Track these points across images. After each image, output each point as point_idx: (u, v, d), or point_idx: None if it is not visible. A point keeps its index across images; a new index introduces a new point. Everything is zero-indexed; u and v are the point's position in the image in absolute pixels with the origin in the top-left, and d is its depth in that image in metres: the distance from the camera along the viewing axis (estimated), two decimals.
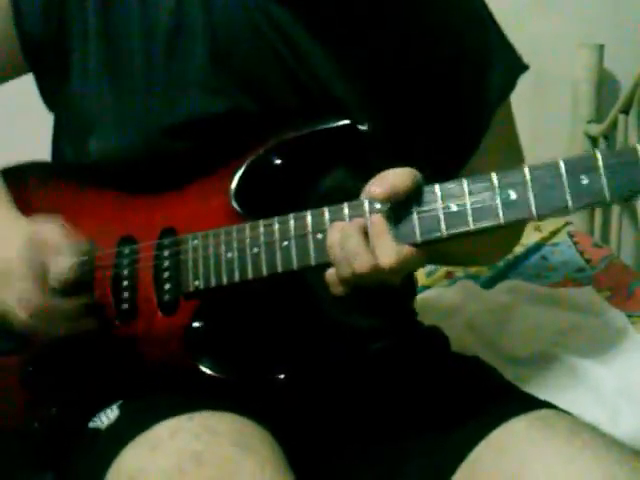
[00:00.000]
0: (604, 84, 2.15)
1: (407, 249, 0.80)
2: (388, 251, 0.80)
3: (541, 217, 0.79)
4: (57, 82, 0.99)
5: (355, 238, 0.81)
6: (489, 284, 1.75)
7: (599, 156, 0.77)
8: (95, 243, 0.94)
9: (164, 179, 0.95)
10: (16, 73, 1.04)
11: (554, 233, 1.96)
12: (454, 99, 1.00)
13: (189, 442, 0.82)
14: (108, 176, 0.98)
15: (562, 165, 0.78)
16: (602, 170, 0.76)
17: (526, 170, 0.79)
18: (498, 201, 0.79)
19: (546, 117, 2.13)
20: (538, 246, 1.92)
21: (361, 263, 0.80)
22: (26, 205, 0.99)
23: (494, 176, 0.80)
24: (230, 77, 0.95)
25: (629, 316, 1.56)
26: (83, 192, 1.00)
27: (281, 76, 0.95)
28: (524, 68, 1.05)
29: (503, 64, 1.04)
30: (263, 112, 0.94)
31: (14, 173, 1.03)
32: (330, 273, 0.83)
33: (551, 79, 2.14)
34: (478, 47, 1.02)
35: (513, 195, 0.79)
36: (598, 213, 2.16)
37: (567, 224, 2.01)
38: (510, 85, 1.05)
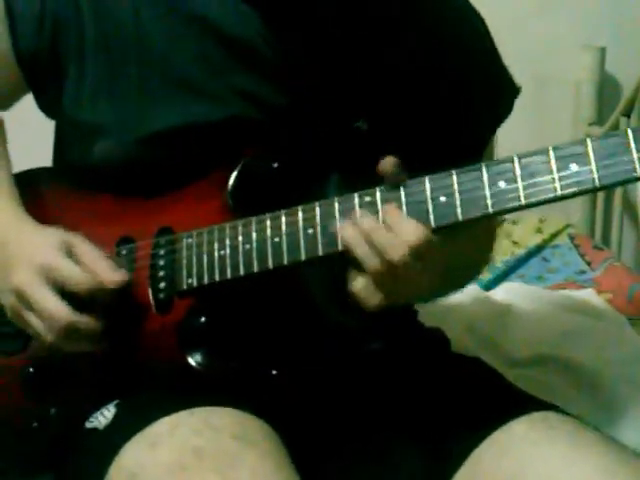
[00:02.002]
0: (606, 87, 2.15)
1: (423, 226, 0.80)
2: (410, 227, 0.80)
3: (530, 205, 0.79)
4: (54, 91, 0.99)
5: (369, 218, 0.81)
6: (490, 286, 1.75)
7: (589, 143, 0.77)
8: (95, 245, 0.93)
9: (162, 181, 0.95)
10: (17, 92, 1.04)
11: (555, 235, 1.97)
12: (450, 114, 1.00)
13: (189, 437, 0.82)
14: (108, 180, 0.98)
15: (552, 153, 0.78)
16: (592, 157, 0.76)
17: (515, 159, 0.79)
18: (487, 191, 0.79)
19: (547, 119, 2.13)
20: (539, 248, 1.92)
21: (380, 238, 0.80)
22: (28, 212, 0.98)
23: (483, 166, 0.80)
24: (227, 83, 0.95)
25: (629, 319, 1.56)
26: (83, 196, 1.01)
27: (274, 79, 0.95)
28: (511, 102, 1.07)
29: (504, 98, 1.06)
30: (260, 116, 0.94)
31: (17, 180, 1.03)
32: (358, 281, 0.83)
33: (553, 81, 2.14)
34: (482, 74, 1.03)
35: (502, 184, 0.79)
36: (599, 215, 2.16)
37: (568, 226, 2.01)
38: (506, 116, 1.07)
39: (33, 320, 0.90)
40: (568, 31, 2.12)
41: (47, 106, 1.03)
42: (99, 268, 0.89)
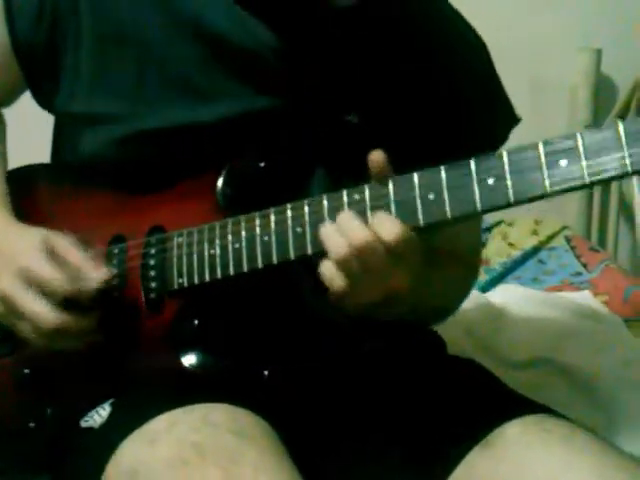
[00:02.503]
0: (601, 89, 2.16)
1: (404, 225, 0.78)
2: (388, 223, 0.78)
3: (519, 203, 0.77)
4: (51, 84, 0.99)
5: (348, 214, 0.80)
6: (486, 287, 1.75)
7: (579, 138, 0.75)
8: (88, 243, 0.94)
9: (155, 179, 0.95)
10: (17, 88, 1.05)
11: (551, 237, 1.97)
12: (447, 127, 0.99)
13: (188, 434, 0.82)
14: (101, 177, 0.98)
15: (541, 148, 0.76)
16: (582, 152, 0.75)
17: (504, 155, 0.78)
18: (475, 188, 0.78)
19: (543, 121, 2.12)
20: (535, 250, 1.92)
21: (357, 234, 0.78)
22: (23, 208, 0.99)
23: (472, 162, 0.79)
24: (223, 85, 0.94)
25: (625, 320, 1.56)
26: (76, 194, 1.01)
27: (270, 81, 0.95)
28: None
29: (501, 118, 1.06)
30: (254, 117, 0.94)
31: (12, 176, 1.03)
32: (326, 265, 0.81)
33: (548, 83, 2.14)
34: (481, 93, 1.03)
35: (490, 181, 0.78)
36: (595, 217, 2.17)
37: (564, 228, 2.01)
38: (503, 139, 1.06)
39: (20, 324, 0.90)
40: (564, 33, 2.13)
41: (44, 100, 1.02)
42: (82, 267, 0.89)
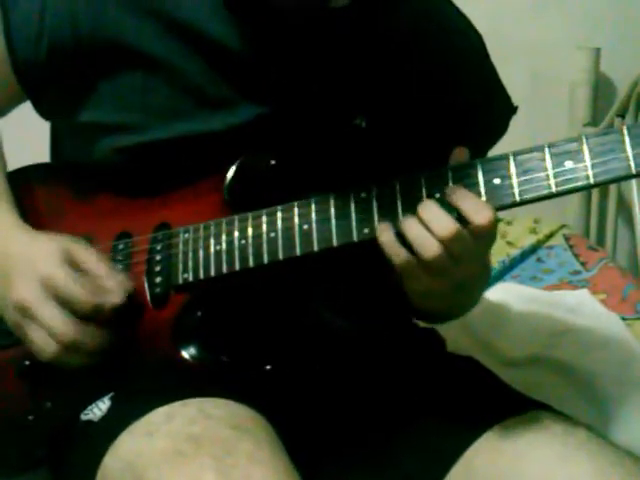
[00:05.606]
0: (601, 87, 2.16)
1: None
2: (481, 208, 0.79)
3: (525, 202, 0.79)
4: (53, 100, 0.98)
5: (432, 205, 0.79)
6: None
7: (584, 140, 0.77)
8: (93, 241, 0.94)
9: (162, 181, 0.96)
10: (14, 102, 1.04)
11: (549, 236, 1.97)
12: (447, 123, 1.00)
13: (185, 426, 0.83)
14: (107, 178, 0.98)
15: (547, 150, 0.79)
16: (587, 154, 0.77)
17: (510, 156, 0.80)
18: (482, 188, 0.80)
19: (543, 119, 2.13)
20: (534, 248, 1.92)
21: (445, 226, 0.78)
22: (27, 206, 0.99)
23: (478, 163, 0.81)
24: (228, 93, 0.94)
25: (624, 319, 1.57)
26: (82, 193, 1.01)
27: (276, 82, 0.95)
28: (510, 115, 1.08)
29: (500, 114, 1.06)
30: (260, 122, 0.94)
31: (16, 177, 1.03)
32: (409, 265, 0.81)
33: (548, 82, 2.15)
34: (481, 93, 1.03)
35: (497, 181, 0.80)
36: (594, 216, 2.17)
37: (563, 227, 2.01)
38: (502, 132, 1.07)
39: (35, 335, 0.88)
40: (563, 32, 2.13)
41: (45, 111, 1.02)
42: (107, 282, 0.89)
